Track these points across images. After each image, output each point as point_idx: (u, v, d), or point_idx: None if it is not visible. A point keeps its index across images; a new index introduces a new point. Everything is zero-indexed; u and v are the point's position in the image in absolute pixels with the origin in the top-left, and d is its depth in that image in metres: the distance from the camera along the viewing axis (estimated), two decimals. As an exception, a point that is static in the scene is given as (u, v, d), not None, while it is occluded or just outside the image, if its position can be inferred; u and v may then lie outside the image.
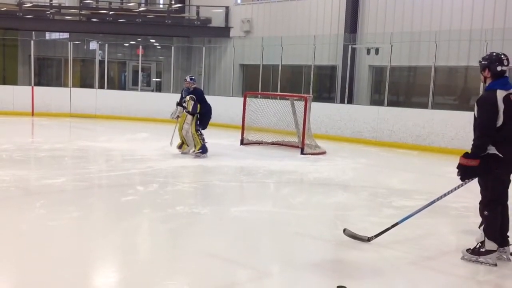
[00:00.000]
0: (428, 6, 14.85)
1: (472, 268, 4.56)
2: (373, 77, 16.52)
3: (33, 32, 18.42)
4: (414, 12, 15.14)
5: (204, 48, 18.73)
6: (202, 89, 18.64)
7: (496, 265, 4.58)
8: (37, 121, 16.36)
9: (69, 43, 18.91)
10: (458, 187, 4.82)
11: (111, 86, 19.76)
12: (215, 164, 9.70)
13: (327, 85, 18.21)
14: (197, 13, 20.42)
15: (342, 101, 15.85)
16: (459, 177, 4.60)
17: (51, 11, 19.81)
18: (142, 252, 4.94)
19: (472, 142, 4.52)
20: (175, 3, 21.44)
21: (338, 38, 16.38)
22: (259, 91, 16.66)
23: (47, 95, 17.86)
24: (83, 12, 20.58)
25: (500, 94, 4.52)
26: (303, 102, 11.53)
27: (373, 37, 15.61)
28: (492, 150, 4.48)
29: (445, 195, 4.93)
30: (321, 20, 17.28)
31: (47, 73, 22.18)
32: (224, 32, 19.89)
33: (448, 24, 14.24)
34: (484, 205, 4.64)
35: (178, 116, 10.72)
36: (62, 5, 20.59)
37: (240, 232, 5.51)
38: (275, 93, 16.14)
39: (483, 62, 4.74)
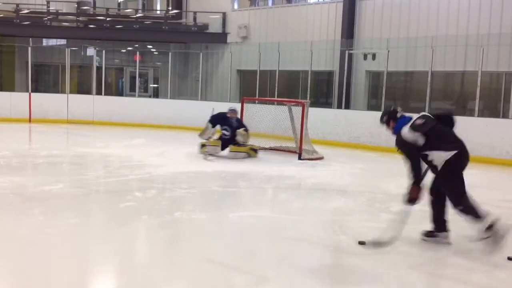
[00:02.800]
0: (424, 12, 14.91)
1: (469, 272, 4.57)
2: (370, 82, 16.55)
3: (30, 39, 18.42)
4: (411, 17, 15.19)
5: (201, 54, 18.76)
6: (200, 95, 18.80)
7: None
8: (34, 128, 16.35)
9: (67, 49, 18.91)
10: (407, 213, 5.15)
11: (108, 92, 19.74)
12: (213, 170, 9.70)
13: (324, 90, 18.24)
14: (194, 19, 20.45)
15: (339, 107, 15.87)
16: (409, 203, 5.09)
17: (48, 17, 19.83)
18: (140, 257, 4.94)
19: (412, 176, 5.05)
20: (172, 9, 21.48)
21: (335, 44, 16.42)
22: (257, 97, 16.68)
23: (45, 101, 17.85)
24: (80, 18, 20.59)
25: (405, 130, 5.12)
26: (301, 108, 11.56)
27: (369, 43, 15.65)
28: (443, 154, 4.94)
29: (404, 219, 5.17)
30: (318, 25, 17.33)
31: (45, 80, 22.18)
32: (221, 38, 19.92)
33: (445, 30, 14.30)
34: (456, 205, 4.99)
35: (210, 138, 10.91)
36: (59, 11, 20.58)
37: (238, 238, 5.52)
38: (273, 98, 16.15)
39: (383, 121, 5.53)
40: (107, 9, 20.59)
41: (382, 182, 9.20)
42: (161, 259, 4.78)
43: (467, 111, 14.01)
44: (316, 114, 13.57)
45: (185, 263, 4.70)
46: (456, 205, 4.98)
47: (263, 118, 12.92)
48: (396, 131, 5.22)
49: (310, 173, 9.75)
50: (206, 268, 4.54)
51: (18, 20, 19.27)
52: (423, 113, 5.34)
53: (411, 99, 16.18)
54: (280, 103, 13.53)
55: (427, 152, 5.00)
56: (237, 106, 13.51)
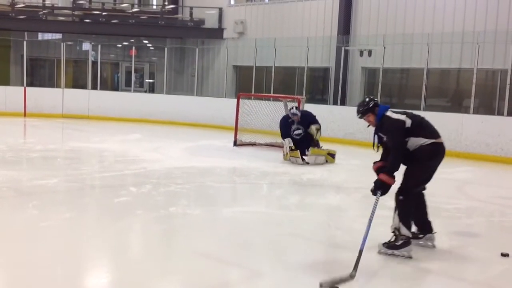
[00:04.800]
0: (420, 9, 14.92)
1: (462, 269, 4.59)
2: (365, 79, 16.56)
3: (25, 33, 18.36)
4: (407, 14, 15.19)
5: (197, 49, 18.74)
6: (195, 90, 18.79)
7: (411, 257, 4.72)
8: (29, 122, 16.30)
9: (62, 43, 18.85)
10: (376, 203, 4.84)
11: (104, 87, 19.70)
12: (208, 165, 9.70)
13: (320, 86, 18.25)
14: (191, 14, 20.42)
15: (335, 103, 15.89)
16: (374, 192, 4.83)
17: (43, 11, 19.74)
18: (135, 252, 4.94)
19: (389, 163, 4.82)
20: (168, 4, 21.42)
21: (331, 40, 16.42)
22: (252, 93, 16.68)
23: (40, 96, 17.80)
24: (76, 12, 20.51)
25: (390, 113, 4.94)
26: (296, 104, 11.54)
27: (366, 39, 15.66)
28: (421, 141, 4.78)
29: (372, 214, 4.80)
30: (314, 22, 17.32)
31: (40, 74, 22.10)
32: (217, 33, 19.89)
33: (441, 27, 14.31)
34: (401, 191, 4.85)
35: (291, 147, 10.42)
36: (55, 5, 20.52)
37: (233, 233, 5.52)
38: (268, 94, 16.16)
39: (360, 115, 5.19)
40: (103, 3, 20.52)
41: (377, 178, 9.19)
42: (156, 254, 4.78)
43: (463, 108, 14.05)
44: (311, 110, 13.52)
45: (180, 258, 4.70)
46: (400, 192, 4.84)
47: (259, 114, 12.92)
48: (380, 117, 4.97)
49: (305, 169, 9.76)
50: (200, 262, 4.54)
51: (13, 14, 19.20)
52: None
53: (406, 96, 16.19)
54: (276, 99, 13.51)
55: (406, 139, 4.81)
56: (233, 102, 13.54)
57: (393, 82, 16.48)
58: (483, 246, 4.82)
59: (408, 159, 4.81)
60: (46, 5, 19.88)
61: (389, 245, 4.84)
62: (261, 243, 5.27)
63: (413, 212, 4.88)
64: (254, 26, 19.08)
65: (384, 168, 4.82)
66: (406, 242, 4.76)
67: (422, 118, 4.96)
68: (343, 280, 4.29)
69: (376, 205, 4.79)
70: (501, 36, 12.66)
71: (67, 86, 18.97)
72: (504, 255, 4.95)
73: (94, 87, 18.81)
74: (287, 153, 10.44)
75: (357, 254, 4.40)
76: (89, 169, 9.27)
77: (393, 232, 4.85)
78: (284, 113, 11.96)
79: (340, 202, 7.43)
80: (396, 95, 16.52)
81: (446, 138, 5.02)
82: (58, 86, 19.24)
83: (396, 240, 4.81)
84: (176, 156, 10.68)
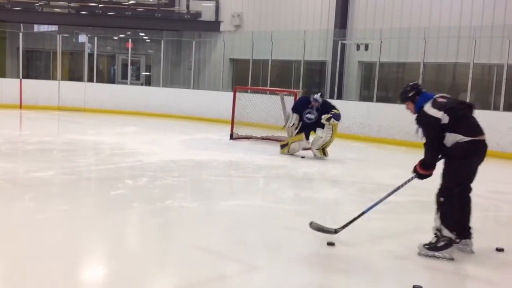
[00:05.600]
0: (417, 3, 14.91)
1: (459, 263, 4.61)
2: (362, 73, 16.57)
3: (21, 24, 18.25)
4: (404, 8, 15.18)
5: (194, 42, 18.69)
6: (192, 83, 18.75)
7: (453, 259, 4.63)
8: (25, 114, 16.26)
9: (58, 35, 18.77)
10: (411, 179, 5.02)
11: (100, 80, 19.64)
12: (205, 159, 9.70)
13: (316, 80, 18.23)
14: (187, 7, 20.35)
15: (331, 97, 15.86)
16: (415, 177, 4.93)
17: (39, 3, 19.63)
18: (131, 245, 4.95)
19: (424, 156, 4.83)
20: (165, -3, 21.35)
21: (328, 34, 16.40)
22: (249, 86, 16.67)
23: (36, 88, 17.75)
24: (72, 4, 20.39)
25: (428, 106, 4.77)
26: (293, 97, 11.55)
27: (362, 33, 15.64)
28: (458, 138, 4.62)
29: (400, 187, 5.10)
30: (311, 15, 17.29)
31: (36, 66, 22.01)
32: (214, 26, 19.84)
33: (437, 21, 14.31)
34: (441, 192, 4.74)
35: (294, 124, 10.33)
36: (51, -3, 20.44)
37: (229, 226, 5.53)
38: (265, 88, 16.16)
39: (402, 100, 5.10)
40: (99, -5, 20.45)
41: (373, 172, 9.24)
42: (152, 247, 4.78)
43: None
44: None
45: (176, 251, 4.71)
46: (441, 194, 4.73)
47: (255, 108, 12.93)
48: (418, 109, 4.88)
49: (302, 162, 9.77)
50: (196, 256, 4.55)
51: (9, 6, 19.08)
52: (444, 94, 4.93)
53: (403, 90, 16.18)
54: (272, 92, 13.51)
55: (444, 134, 4.67)
56: (229, 95, 13.52)
57: (390, 76, 16.49)
58: (478, 240, 4.83)
59: (446, 156, 4.73)
60: (42, -4, 19.81)
61: (430, 247, 4.72)
62: (257, 237, 5.28)
63: (456, 214, 4.73)
64: (251, 19, 19.04)
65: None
66: (448, 244, 4.65)
67: (465, 114, 4.72)
68: (326, 231, 5.02)
69: (405, 183, 4.98)
70: (497, 30, 12.66)
71: (63, 78, 18.89)
72: (499, 250, 4.97)
73: (90, 80, 18.75)
74: (284, 145, 10.39)
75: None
76: (85, 161, 9.26)
77: (434, 233, 4.75)
78: (281, 107, 11.99)
79: (336, 196, 7.45)
80: (393, 89, 16.52)
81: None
82: (54, 78, 19.16)
83: (437, 241, 4.70)
84: (173, 149, 10.68)
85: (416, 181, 5.02)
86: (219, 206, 6.35)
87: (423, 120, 4.79)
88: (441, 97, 4.83)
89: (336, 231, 5.03)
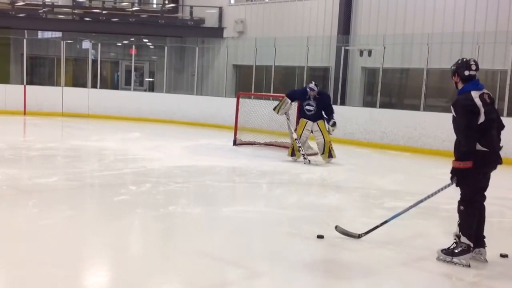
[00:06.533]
0: (420, 9, 14.91)
1: (462, 269, 4.59)
2: (365, 78, 16.55)
3: (25, 31, 18.34)
4: (407, 14, 15.18)
5: (197, 48, 18.73)
6: (195, 89, 18.78)
7: (469, 266, 4.62)
8: (29, 120, 16.30)
9: (62, 42, 18.85)
10: (440, 190, 4.94)
11: (103, 86, 19.70)
12: (208, 165, 9.71)
13: (320, 86, 18.21)
14: (191, 13, 20.41)
15: (334, 103, 15.79)
16: (455, 182, 4.67)
17: (44, 9, 19.74)
18: (134, 251, 4.95)
19: (460, 147, 4.61)
20: (169, 3, 21.42)
21: (331, 40, 16.42)
22: (252, 92, 16.68)
23: (40, 94, 17.78)
24: (76, 11, 20.51)
25: (475, 93, 4.64)
26: (296, 103, 11.54)
27: (366, 39, 15.65)
28: (477, 147, 4.57)
29: (433, 194, 5.03)
30: (314, 21, 17.31)
31: (40, 72, 22.08)
32: (217, 32, 19.88)
33: (441, 27, 14.30)
34: (462, 201, 4.72)
35: (286, 113, 10.50)
36: (55, 4, 20.50)
37: (232, 232, 5.53)
38: (268, 93, 16.16)
39: (452, 67, 4.89)
40: (103, 2, 20.51)
41: (376, 178, 9.22)
42: (155, 253, 4.78)
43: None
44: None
45: (179, 257, 4.71)
46: (461, 202, 4.71)
47: (259, 113, 12.91)
48: (462, 91, 4.70)
49: (305, 168, 9.76)
50: (199, 262, 4.55)
51: (13, 12, 19.19)
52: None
53: (406, 96, 16.19)
54: (275, 98, 13.51)
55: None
56: (233, 101, 13.53)
57: (393, 82, 16.48)
58: (482, 246, 4.82)
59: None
60: (46, 3, 19.89)
61: (447, 252, 4.72)
62: (260, 242, 5.27)
63: (474, 222, 4.70)
64: (254, 25, 19.07)
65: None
66: (466, 250, 4.64)
67: (492, 127, 4.66)
68: (350, 235, 5.22)
69: (441, 190, 4.88)
70: (501, 36, 12.66)
71: (67, 84, 18.96)
72: (503, 256, 4.95)
73: (94, 86, 18.80)
74: (293, 148, 10.40)
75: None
76: (88, 167, 9.28)
77: (454, 239, 4.75)
78: (284, 112, 11.95)
79: (339, 202, 7.44)
80: (396, 95, 16.52)
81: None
82: (58, 84, 19.22)
83: (455, 247, 4.69)
84: (176, 155, 10.69)
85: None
86: (222, 212, 6.34)
87: (464, 103, 4.60)
88: (489, 97, 4.70)
89: (359, 236, 5.20)
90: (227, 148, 12.01)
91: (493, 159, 4.70)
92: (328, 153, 10.24)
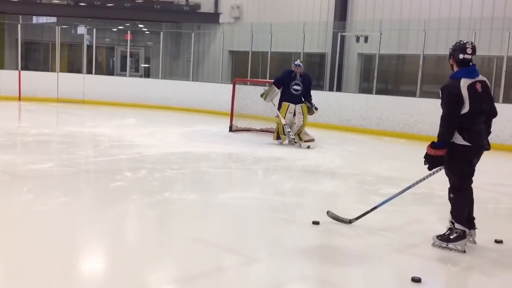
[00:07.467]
0: (417, -6, 14.86)
1: (457, 255, 4.61)
2: (362, 65, 16.53)
3: (20, 16, 18.19)
4: (403, 0, 15.12)
5: (193, 34, 18.63)
6: (191, 75, 18.71)
7: (464, 251, 4.64)
8: (24, 106, 16.23)
9: (57, 27, 18.70)
10: (427, 176, 4.96)
11: (99, 71, 19.60)
12: (204, 151, 9.69)
13: (316, 72, 18.15)
14: (186, -2, 20.30)
15: (331, 89, 15.85)
16: (427, 167, 4.73)
17: (38, -6, 19.58)
18: (130, 237, 4.94)
19: (438, 133, 4.63)
20: (164, -12, 21.27)
21: (328, 26, 16.35)
22: (248, 78, 16.64)
23: (34, 79, 17.68)
24: (71, -4, 20.36)
25: (464, 82, 4.58)
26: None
27: (362, 25, 15.58)
28: (458, 139, 4.57)
29: (421, 180, 5.07)
30: (310, 7, 17.22)
31: (34, 58, 21.94)
32: (213, 18, 19.77)
33: (437, 12, 14.25)
34: (451, 188, 4.75)
35: (271, 101, 10.84)
36: (49, -12, 20.35)
37: (228, 218, 5.53)
38: (264, 80, 16.10)
39: (449, 49, 4.85)
40: (98, -14, 20.35)
41: (372, 164, 9.23)
42: (151, 239, 4.78)
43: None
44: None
45: (175, 243, 4.71)
46: (450, 191, 4.75)
47: (255, 100, 12.87)
48: (453, 77, 4.66)
49: (301, 155, 9.76)
50: (195, 248, 4.55)
51: (7, -3, 19.02)
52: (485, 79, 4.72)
53: (402, 83, 16.18)
54: (272, 84, 13.45)
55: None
56: (228, 87, 13.50)
57: (389, 68, 16.46)
58: (477, 232, 4.83)
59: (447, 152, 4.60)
60: (40, -12, 19.72)
61: (443, 238, 4.74)
62: (256, 229, 5.28)
63: (466, 208, 4.72)
64: (250, 11, 18.97)
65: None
66: (461, 236, 4.66)
67: (479, 122, 4.64)
68: (341, 220, 5.29)
69: (426, 178, 4.94)
70: (497, 22, 12.62)
71: (62, 70, 18.84)
72: (498, 241, 4.97)
73: (89, 72, 18.70)
74: (277, 132, 10.66)
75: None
76: (84, 153, 9.25)
77: (449, 225, 4.77)
78: (270, 99, 11.93)
79: (335, 188, 7.45)
80: (392, 81, 16.50)
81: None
82: (53, 70, 19.11)
83: (451, 233, 4.72)
84: (172, 141, 10.67)
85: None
86: (218, 198, 6.34)
87: (450, 91, 4.59)
88: (482, 86, 4.63)
89: (350, 221, 5.25)
90: (223, 134, 11.99)
91: (476, 152, 4.67)
92: (298, 136, 10.51)
